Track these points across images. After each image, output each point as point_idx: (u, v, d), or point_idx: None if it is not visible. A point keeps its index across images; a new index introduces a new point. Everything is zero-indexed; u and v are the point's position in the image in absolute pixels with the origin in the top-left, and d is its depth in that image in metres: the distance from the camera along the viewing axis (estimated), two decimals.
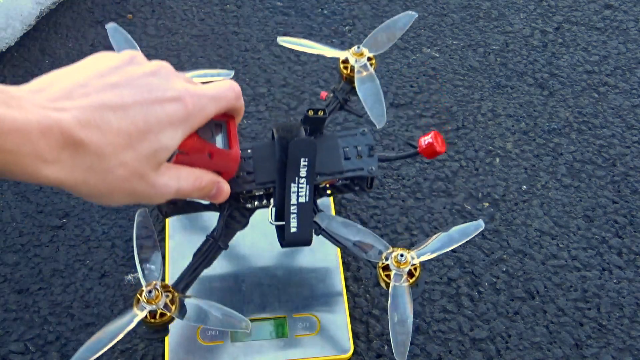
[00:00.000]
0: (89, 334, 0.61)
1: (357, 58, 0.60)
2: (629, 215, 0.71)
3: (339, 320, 0.60)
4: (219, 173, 0.48)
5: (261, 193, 0.53)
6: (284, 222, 0.51)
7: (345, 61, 0.60)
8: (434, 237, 0.51)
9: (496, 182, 0.73)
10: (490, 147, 0.76)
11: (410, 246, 0.68)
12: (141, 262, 0.50)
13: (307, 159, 0.50)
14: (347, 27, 0.87)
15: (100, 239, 0.67)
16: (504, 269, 0.67)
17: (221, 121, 0.48)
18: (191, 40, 0.85)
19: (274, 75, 0.82)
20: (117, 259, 0.66)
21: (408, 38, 0.86)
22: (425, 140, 0.53)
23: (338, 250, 0.64)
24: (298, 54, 0.84)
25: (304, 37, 0.86)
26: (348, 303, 0.61)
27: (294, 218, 0.51)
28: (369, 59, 0.60)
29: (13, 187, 0.71)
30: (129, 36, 0.61)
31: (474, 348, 0.62)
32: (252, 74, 0.82)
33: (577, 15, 0.90)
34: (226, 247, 0.53)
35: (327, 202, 0.67)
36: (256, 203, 0.53)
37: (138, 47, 0.62)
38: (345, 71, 0.60)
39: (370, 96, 0.58)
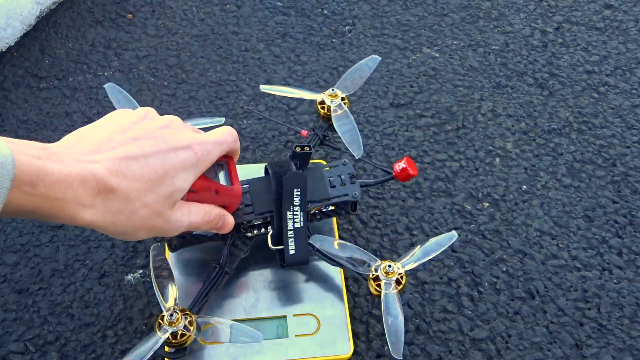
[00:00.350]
0: (88, 334, 0.61)
1: (332, 99, 0.68)
2: (629, 215, 0.71)
3: (339, 320, 0.60)
4: (224, 207, 0.55)
5: (260, 222, 0.60)
6: (282, 247, 0.58)
7: (322, 102, 0.68)
8: (415, 249, 0.58)
9: (496, 182, 0.73)
10: (490, 147, 0.76)
11: (410, 246, 0.68)
12: (159, 290, 0.56)
13: (299, 190, 0.57)
14: (347, 27, 0.87)
15: (100, 239, 0.67)
16: (504, 269, 0.67)
17: (222, 161, 0.55)
18: (191, 40, 0.85)
19: (274, 75, 0.82)
20: (117, 259, 0.66)
21: (408, 38, 0.86)
22: (399, 165, 0.61)
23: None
24: (298, 53, 0.84)
25: (304, 37, 0.86)
26: (348, 303, 0.61)
27: (291, 242, 0.58)
28: (343, 99, 0.68)
29: None
30: (127, 93, 0.68)
31: (474, 348, 0.62)
32: (252, 74, 0.82)
33: (577, 15, 0.90)
34: (232, 272, 0.60)
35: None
36: (255, 231, 0.61)
37: (136, 102, 0.68)
38: (322, 111, 0.68)
39: (347, 131, 0.66)
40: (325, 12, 0.89)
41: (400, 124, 0.78)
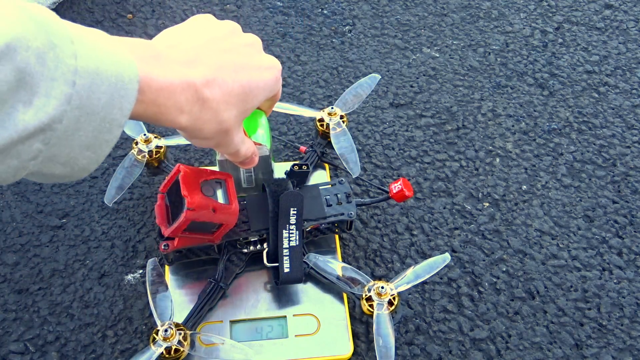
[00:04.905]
0: (88, 334, 0.61)
1: (331, 117, 0.69)
2: (629, 215, 0.71)
3: (339, 320, 0.60)
4: (221, 224, 0.56)
5: (256, 239, 0.61)
6: (277, 264, 0.59)
7: (321, 120, 0.69)
8: (409, 270, 0.59)
9: (496, 182, 0.73)
10: (490, 147, 0.76)
11: (410, 246, 0.68)
12: (155, 304, 0.56)
13: (296, 209, 0.58)
14: (347, 27, 0.87)
15: (100, 239, 0.67)
16: (504, 269, 0.67)
17: (221, 179, 0.57)
18: None
19: None
20: (117, 259, 0.66)
21: (408, 38, 0.86)
22: (396, 187, 0.62)
23: (338, 250, 0.64)
24: (298, 53, 0.84)
25: (304, 37, 0.86)
26: (348, 303, 0.61)
27: (286, 260, 0.59)
28: (341, 117, 0.69)
29: (13, 187, 0.71)
30: None
31: (474, 348, 0.62)
32: None
33: (577, 15, 0.90)
34: (227, 287, 0.61)
35: None
36: (251, 247, 0.61)
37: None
38: (321, 128, 0.69)
39: (344, 149, 0.67)
40: (325, 12, 0.89)
41: (400, 124, 0.78)
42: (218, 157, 0.61)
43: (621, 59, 0.85)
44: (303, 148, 0.70)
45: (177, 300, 0.60)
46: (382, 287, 0.57)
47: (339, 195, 0.63)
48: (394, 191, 0.62)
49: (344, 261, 0.64)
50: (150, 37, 0.85)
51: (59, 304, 0.63)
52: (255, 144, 0.59)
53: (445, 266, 0.59)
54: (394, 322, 0.56)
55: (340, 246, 0.65)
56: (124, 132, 0.68)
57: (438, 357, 0.61)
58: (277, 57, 0.84)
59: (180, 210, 0.55)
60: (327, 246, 0.64)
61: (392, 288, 0.57)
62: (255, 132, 0.60)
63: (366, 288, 0.57)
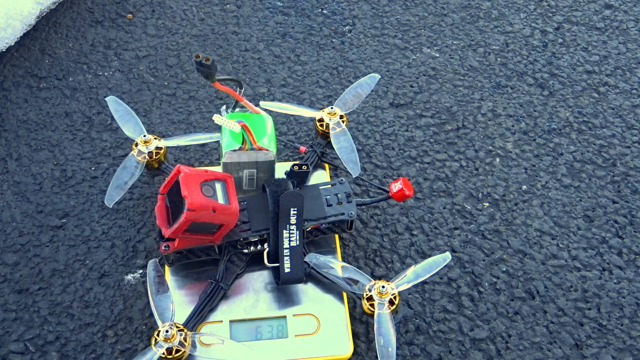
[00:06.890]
0: (88, 334, 0.61)
1: (331, 117, 0.68)
2: (629, 215, 0.71)
3: (339, 320, 0.60)
4: (221, 225, 0.56)
5: (256, 239, 0.61)
6: (278, 264, 0.59)
7: (321, 120, 0.69)
8: (409, 269, 0.59)
9: (496, 182, 0.73)
10: (490, 147, 0.76)
11: (410, 246, 0.68)
12: (155, 305, 0.56)
13: (296, 209, 0.58)
14: (347, 27, 0.87)
15: (100, 239, 0.67)
16: (504, 269, 0.67)
17: (221, 180, 0.57)
18: (191, 40, 0.85)
19: (274, 75, 0.82)
20: (117, 259, 0.66)
21: (408, 38, 0.86)
22: (396, 186, 0.62)
23: (338, 250, 0.64)
24: (298, 53, 0.84)
25: (304, 37, 0.86)
26: (348, 303, 0.61)
27: (287, 260, 0.59)
28: (341, 117, 0.69)
29: (13, 187, 0.71)
30: (127, 107, 0.69)
31: (474, 348, 0.62)
32: (252, 74, 0.82)
33: (577, 15, 0.90)
34: (228, 287, 0.61)
35: None
36: (252, 248, 0.61)
37: (137, 117, 0.68)
38: (320, 128, 0.69)
39: (344, 150, 0.66)
40: (325, 12, 0.89)
41: (400, 124, 0.78)
42: (223, 160, 0.61)
43: (621, 59, 0.85)
44: (303, 148, 0.70)
45: (177, 300, 0.60)
46: (383, 287, 0.57)
47: (339, 195, 0.63)
48: (394, 190, 0.62)
49: (344, 261, 0.64)
50: (150, 37, 0.85)
51: (59, 304, 0.63)
52: (261, 148, 0.59)
53: (445, 266, 0.59)
54: (394, 322, 0.56)
55: (340, 246, 0.65)
56: (123, 132, 0.68)
57: (438, 357, 0.61)
58: (277, 57, 0.84)
59: (181, 211, 0.55)
60: (327, 246, 0.64)
61: (393, 287, 0.57)
62: (262, 137, 0.60)
63: (367, 287, 0.57)
